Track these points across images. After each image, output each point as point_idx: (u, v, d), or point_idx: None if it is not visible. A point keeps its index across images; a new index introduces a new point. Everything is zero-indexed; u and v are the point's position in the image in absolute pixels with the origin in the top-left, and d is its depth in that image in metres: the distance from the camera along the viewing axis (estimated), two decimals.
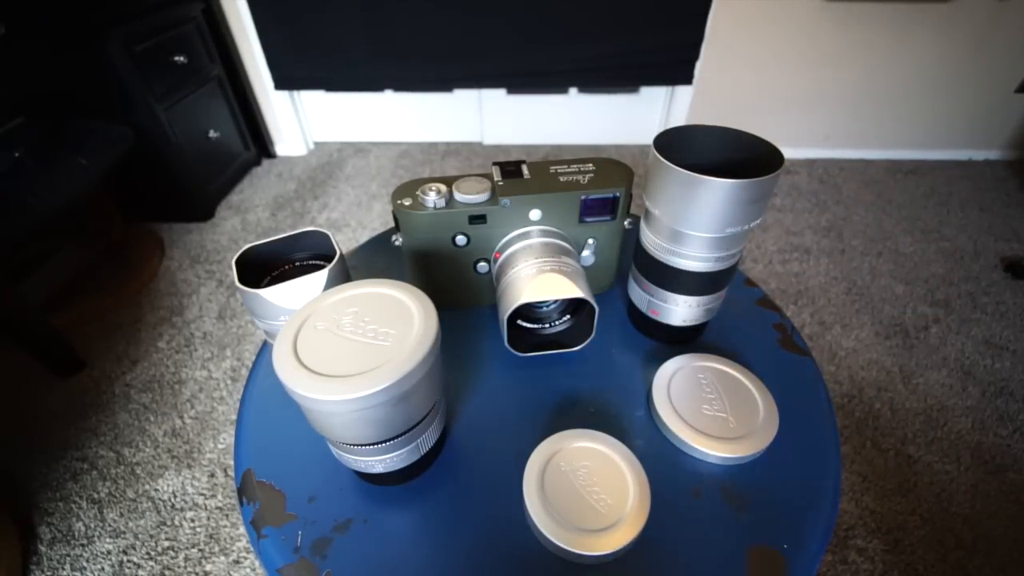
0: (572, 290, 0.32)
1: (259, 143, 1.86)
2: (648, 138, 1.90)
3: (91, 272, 1.32)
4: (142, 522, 0.85)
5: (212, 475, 0.91)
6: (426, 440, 0.29)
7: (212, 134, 1.57)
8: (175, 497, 0.88)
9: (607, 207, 0.37)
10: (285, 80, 1.75)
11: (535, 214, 0.36)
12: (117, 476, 0.91)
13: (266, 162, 1.88)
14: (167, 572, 0.79)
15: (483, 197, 0.35)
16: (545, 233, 0.36)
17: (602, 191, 0.36)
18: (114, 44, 1.21)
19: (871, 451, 0.92)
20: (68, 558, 0.81)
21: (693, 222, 0.30)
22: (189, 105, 1.46)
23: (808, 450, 0.32)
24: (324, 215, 1.59)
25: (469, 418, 0.35)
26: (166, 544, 0.82)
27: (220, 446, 0.95)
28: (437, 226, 0.36)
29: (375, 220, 1.55)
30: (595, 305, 0.33)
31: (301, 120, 1.91)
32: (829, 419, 0.34)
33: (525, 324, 0.37)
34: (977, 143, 1.79)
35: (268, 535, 0.28)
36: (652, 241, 0.34)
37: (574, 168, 0.37)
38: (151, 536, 0.83)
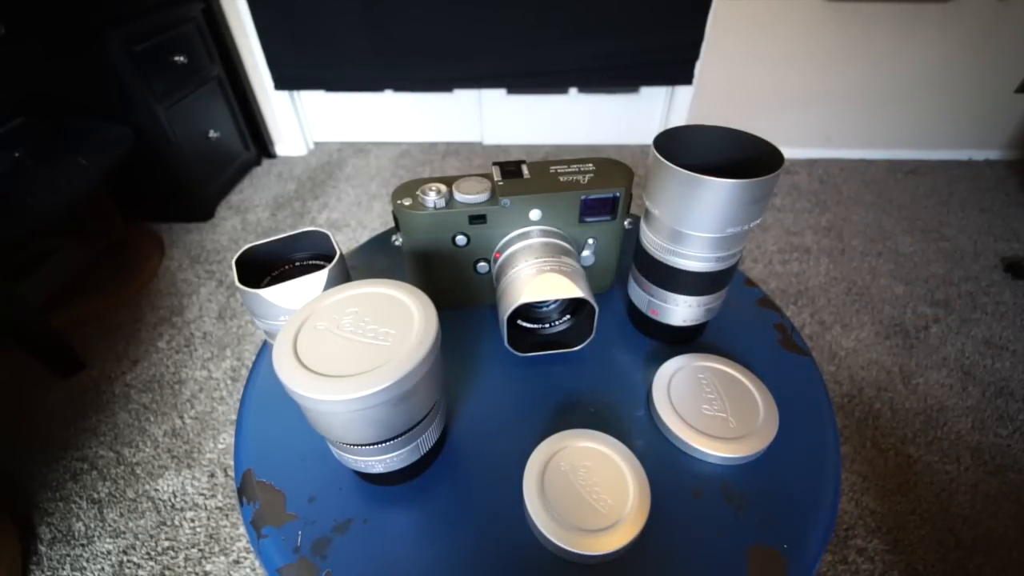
0: (572, 290, 0.32)
1: (259, 143, 1.86)
2: (648, 138, 1.90)
3: (91, 272, 1.32)
4: (142, 522, 0.85)
5: (212, 475, 0.91)
6: (426, 440, 0.29)
7: (212, 134, 1.57)
8: (175, 497, 0.88)
9: (607, 207, 0.37)
10: (285, 80, 1.75)
11: (535, 214, 0.36)
12: (117, 476, 0.91)
13: (266, 162, 1.88)
14: (167, 572, 0.79)
15: (483, 197, 0.35)
16: (545, 233, 0.36)
17: (602, 191, 0.36)
18: (114, 44, 1.21)
19: (871, 451, 0.92)
20: (68, 558, 0.81)
21: (693, 222, 0.30)
22: (189, 105, 1.46)
23: (808, 450, 0.32)
24: (324, 215, 1.59)
25: (469, 418, 0.34)
26: (166, 544, 0.82)
27: (220, 446, 0.95)
28: (437, 226, 0.36)
29: (375, 220, 1.55)
30: (595, 305, 0.33)
31: (301, 120, 1.90)
32: (829, 419, 0.34)
33: (525, 324, 0.37)
34: (977, 143, 1.79)
35: (268, 535, 0.28)
36: (652, 241, 0.34)
37: (574, 168, 0.37)
38: (151, 536, 0.83)
